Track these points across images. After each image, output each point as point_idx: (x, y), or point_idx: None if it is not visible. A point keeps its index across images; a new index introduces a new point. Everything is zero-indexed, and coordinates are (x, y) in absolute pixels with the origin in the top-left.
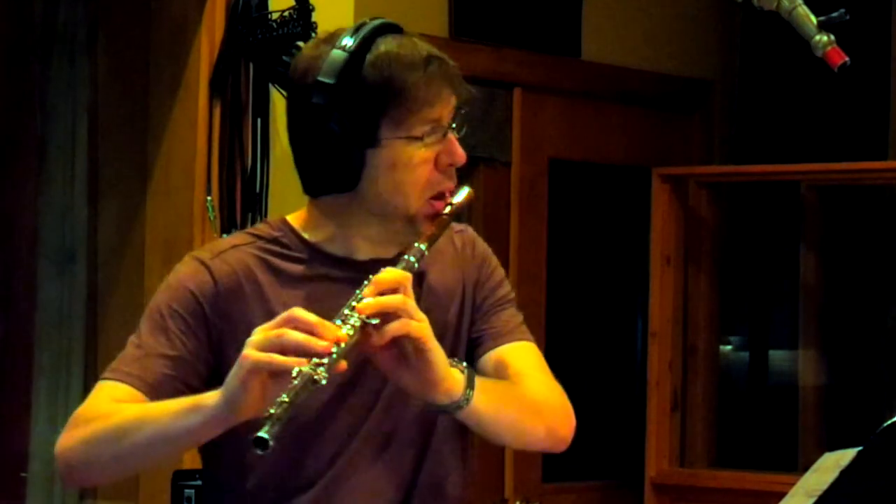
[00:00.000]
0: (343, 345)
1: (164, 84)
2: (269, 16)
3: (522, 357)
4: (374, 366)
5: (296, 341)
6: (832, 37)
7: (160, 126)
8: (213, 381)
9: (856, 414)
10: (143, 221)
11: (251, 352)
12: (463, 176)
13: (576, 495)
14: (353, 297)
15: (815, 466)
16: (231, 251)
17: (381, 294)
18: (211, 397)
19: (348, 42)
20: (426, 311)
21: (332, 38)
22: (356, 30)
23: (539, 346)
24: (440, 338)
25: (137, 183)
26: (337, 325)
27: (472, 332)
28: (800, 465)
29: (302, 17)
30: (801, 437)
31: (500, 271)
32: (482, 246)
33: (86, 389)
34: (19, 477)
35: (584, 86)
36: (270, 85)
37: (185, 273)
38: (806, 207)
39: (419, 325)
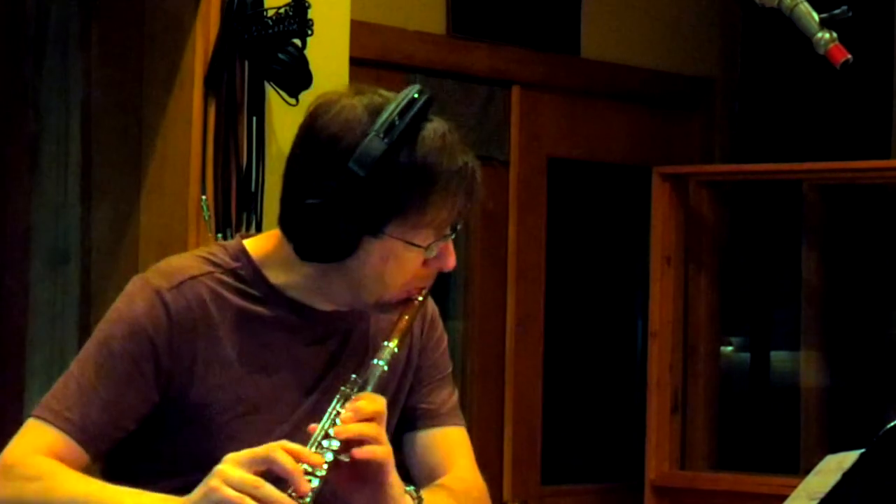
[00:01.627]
0: (315, 482)
1: (158, 81)
2: (265, 13)
3: (455, 447)
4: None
5: (284, 469)
6: (834, 34)
7: (154, 124)
8: (150, 419)
9: (858, 415)
10: (136, 221)
11: (235, 471)
12: None
13: (575, 498)
14: (328, 416)
15: (817, 469)
16: (189, 283)
17: (360, 420)
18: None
19: (393, 125)
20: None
21: (376, 109)
22: (402, 112)
23: (537, 347)
24: (381, 392)
25: (131, 181)
26: (318, 454)
27: (409, 401)
28: (801, 468)
29: (298, 14)
30: (803, 439)
31: (444, 339)
32: (431, 308)
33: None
34: None
35: (584, 84)
36: (266, 83)
37: (141, 309)
38: (808, 207)
39: (386, 451)
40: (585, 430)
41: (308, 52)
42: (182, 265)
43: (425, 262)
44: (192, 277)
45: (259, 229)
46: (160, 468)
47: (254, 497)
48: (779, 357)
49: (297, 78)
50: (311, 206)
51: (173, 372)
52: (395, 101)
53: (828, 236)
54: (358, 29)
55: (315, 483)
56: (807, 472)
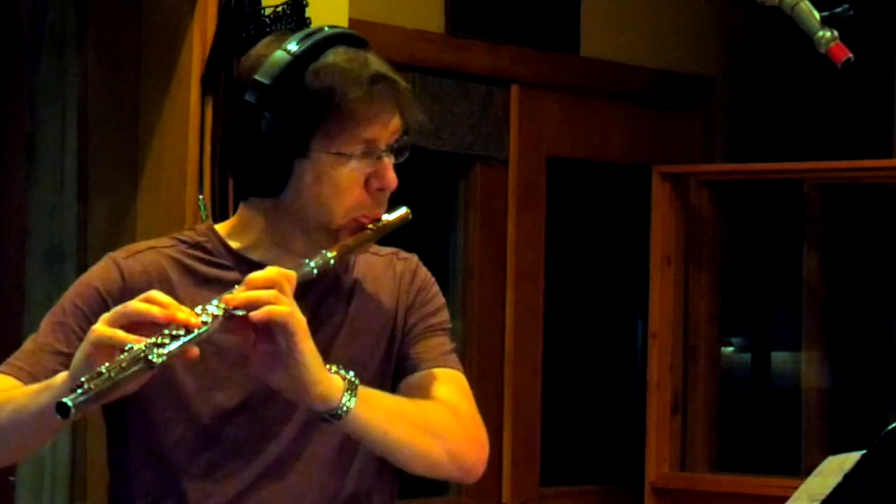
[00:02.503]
0: (196, 332)
1: (155, 80)
2: (262, 11)
3: (443, 383)
4: (250, 368)
5: (137, 311)
6: (836, 32)
7: (151, 123)
8: None
9: (860, 416)
10: (133, 220)
11: (99, 325)
12: (460, 174)
13: (574, 499)
14: (227, 293)
15: (818, 470)
16: (147, 252)
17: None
18: (60, 375)
19: (296, 46)
20: (350, 333)
21: (285, 39)
22: (309, 34)
23: (537, 347)
24: (365, 363)
25: (128, 181)
26: (196, 313)
27: (398, 357)
28: (803, 469)
29: (295, 12)
30: (804, 441)
31: (439, 300)
32: (423, 273)
33: None
34: (7, 481)
35: (583, 82)
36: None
37: (95, 272)
38: (809, 206)
39: (284, 312)
40: (585, 431)
41: None
42: (145, 242)
43: (367, 184)
44: (152, 248)
45: None
46: (136, 424)
47: (129, 322)
48: (780, 358)
49: None
50: (237, 135)
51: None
52: (305, 30)
53: (829, 236)
54: (356, 27)
55: (197, 329)
56: (808, 473)
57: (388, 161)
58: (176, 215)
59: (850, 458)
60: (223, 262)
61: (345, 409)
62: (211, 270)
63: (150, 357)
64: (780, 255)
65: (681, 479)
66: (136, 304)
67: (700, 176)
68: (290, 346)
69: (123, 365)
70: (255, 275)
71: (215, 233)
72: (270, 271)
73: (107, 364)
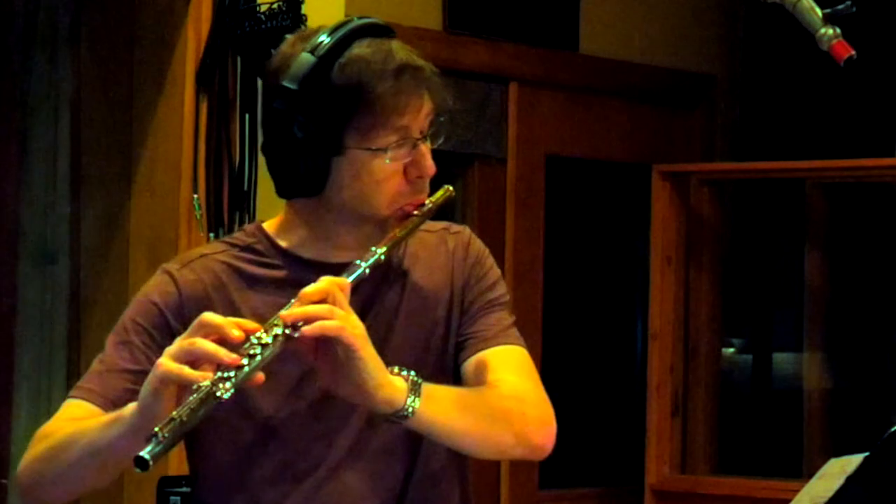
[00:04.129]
0: (259, 356)
1: (149, 78)
2: (258, 8)
3: (504, 361)
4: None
5: (203, 350)
6: (838, 30)
7: (145, 121)
8: None
9: (862, 418)
10: (127, 220)
11: (164, 360)
12: (457, 173)
13: (573, 503)
14: (284, 309)
15: (820, 473)
16: (199, 260)
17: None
18: (129, 407)
19: (321, 43)
20: (408, 313)
21: (309, 37)
22: (333, 30)
23: (535, 348)
24: (426, 345)
25: (121, 180)
26: (258, 327)
27: (458, 336)
28: (805, 472)
29: (291, 9)
30: (806, 443)
31: (495, 273)
32: (477, 247)
33: (68, 392)
34: (0, 484)
35: (582, 80)
36: (259, 79)
37: (151, 286)
38: (811, 205)
39: (339, 326)
40: (584, 434)
41: None
42: (196, 249)
43: (406, 173)
44: (203, 255)
45: None
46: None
47: (193, 357)
48: (781, 359)
49: None
50: (272, 140)
51: None
52: (330, 26)
53: (831, 236)
54: None
55: (259, 352)
56: (810, 476)
57: (425, 148)
58: (170, 215)
59: (853, 461)
60: (274, 261)
61: (410, 409)
62: (263, 271)
63: (217, 394)
64: (782, 256)
65: (681, 481)
66: (201, 344)
67: (701, 175)
68: (349, 356)
69: (193, 407)
70: (308, 289)
71: (264, 232)
72: (323, 283)
73: (178, 410)
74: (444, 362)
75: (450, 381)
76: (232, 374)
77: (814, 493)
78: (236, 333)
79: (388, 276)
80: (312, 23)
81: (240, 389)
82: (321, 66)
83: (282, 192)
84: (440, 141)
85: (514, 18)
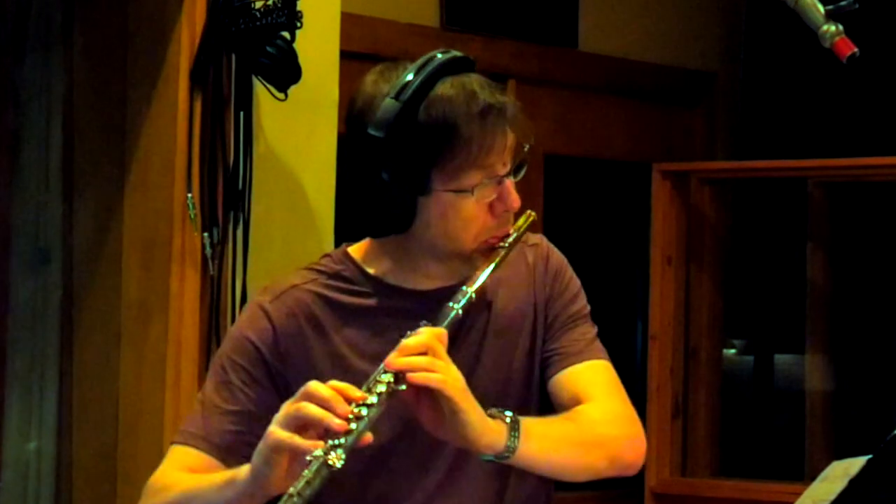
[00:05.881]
0: (366, 418)
1: (142, 76)
2: (252, 4)
3: (592, 379)
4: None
5: (311, 416)
6: (840, 27)
7: (138, 119)
8: None
9: (865, 420)
10: (120, 219)
11: (274, 429)
12: None
13: None
14: (381, 367)
15: (822, 475)
16: (290, 292)
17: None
18: (243, 471)
19: (406, 86)
20: (495, 335)
21: (392, 76)
22: (418, 70)
23: None
24: (511, 361)
25: (115, 179)
26: (363, 394)
27: (543, 352)
28: (807, 474)
29: (286, 6)
30: (808, 445)
31: (575, 284)
32: (556, 259)
33: (61, 395)
34: None
35: (582, 78)
36: (254, 77)
37: (244, 322)
38: (813, 205)
39: (440, 378)
40: None
41: (297, 46)
42: (285, 279)
43: (491, 209)
44: (294, 286)
45: (246, 228)
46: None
47: (302, 424)
48: (783, 360)
49: (285, 72)
50: (361, 183)
51: (287, 374)
52: (413, 63)
53: (834, 236)
54: (349, 21)
55: (366, 414)
56: (812, 478)
57: (510, 183)
58: (164, 215)
59: (856, 464)
60: (363, 289)
61: (511, 449)
62: (354, 300)
63: (329, 463)
64: (784, 255)
65: (682, 484)
66: (309, 410)
67: (701, 174)
68: (451, 408)
69: (309, 479)
70: (409, 340)
71: (352, 259)
72: (423, 335)
73: (294, 486)
74: (531, 379)
75: (536, 397)
76: (342, 440)
77: (816, 497)
78: (342, 410)
79: (472, 303)
80: (308, 20)
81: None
82: (406, 111)
83: (370, 231)
84: (523, 172)
85: (513, 15)
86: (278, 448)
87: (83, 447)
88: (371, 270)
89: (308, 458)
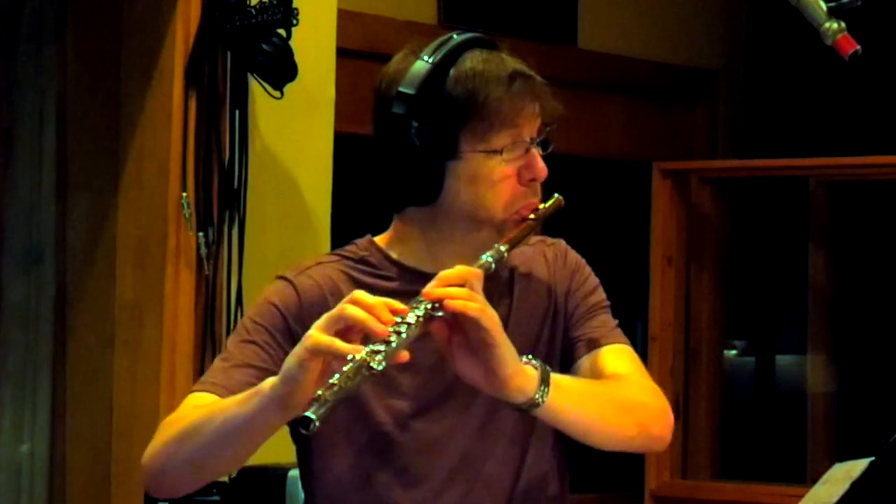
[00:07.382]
0: (404, 334)
1: (136, 73)
2: (248, 2)
3: (618, 358)
4: (448, 363)
5: (355, 318)
6: (843, 24)
7: (132, 118)
8: None
9: (867, 422)
10: (114, 218)
11: (314, 332)
12: None
13: None
14: (418, 297)
15: (824, 478)
16: (316, 267)
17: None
18: (269, 382)
19: (433, 54)
20: (516, 324)
21: (419, 50)
22: (442, 42)
23: None
24: (532, 351)
25: (108, 178)
26: (405, 307)
27: (564, 342)
28: (808, 477)
29: (282, 3)
30: (810, 447)
31: (594, 280)
32: (574, 256)
33: (54, 396)
34: None
35: (581, 76)
36: (249, 75)
37: (271, 291)
38: (815, 204)
39: (480, 308)
40: None
41: (293, 43)
42: (310, 259)
43: (519, 176)
44: (319, 263)
45: (241, 228)
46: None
47: (344, 326)
48: (785, 361)
49: (281, 70)
50: (387, 148)
51: None
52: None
53: (836, 235)
54: (345, 18)
55: (404, 331)
56: (814, 481)
57: (537, 152)
58: (158, 213)
59: (858, 466)
60: (387, 273)
61: (541, 399)
62: (377, 282)
63: (371, 365)
64: (785, 255)
65: (682, 486)
66: (353, 311)
67: (702, 173)
68: (487, 340)
69: (350, 375)
70: (447, 272)
71: (376, 246)
72: (461, 269)
73: (336, 375)
74: (551, 368)
75: None
76: (382, 347)
77: (818, 499)
78: (386, 317)
79: (495, 286)
80: (304, 18)
81: (358, 397)
82: (436, 73)
83: (395, 202)
84: (550, 149)
85: (511, 12)
86: (317, 350)
87: (77, 448)
88: (395, 255)
89: (349, 357)
